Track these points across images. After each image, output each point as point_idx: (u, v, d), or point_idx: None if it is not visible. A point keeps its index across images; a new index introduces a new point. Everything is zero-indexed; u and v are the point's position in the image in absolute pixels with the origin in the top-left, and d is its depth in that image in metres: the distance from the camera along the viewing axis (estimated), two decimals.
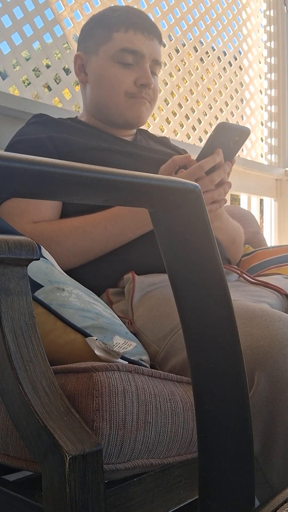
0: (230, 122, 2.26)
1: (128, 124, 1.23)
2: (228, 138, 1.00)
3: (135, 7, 1.84)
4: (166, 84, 2.00)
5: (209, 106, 2.19)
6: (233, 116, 2.30)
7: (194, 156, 1.04)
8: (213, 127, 2.19)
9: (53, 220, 1.06)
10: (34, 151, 1.08)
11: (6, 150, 1.18)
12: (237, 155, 1.08)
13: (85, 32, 1.24)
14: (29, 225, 1.02)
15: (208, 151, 1.00)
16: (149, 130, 1.84)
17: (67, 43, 1.65)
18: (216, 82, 2.24)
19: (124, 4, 1.83)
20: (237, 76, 2.32)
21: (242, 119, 2.36)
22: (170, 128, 2.04)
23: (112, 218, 1.03)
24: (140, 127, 1.33)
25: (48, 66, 1.58)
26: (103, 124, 1.24)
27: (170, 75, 2.03)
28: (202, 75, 2.16)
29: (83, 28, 1.25)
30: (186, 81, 2.10)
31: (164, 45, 2.00)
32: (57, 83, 1.61)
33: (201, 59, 2.17)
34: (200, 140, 2.16)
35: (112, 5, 1.76)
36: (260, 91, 2.46)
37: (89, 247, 1.02)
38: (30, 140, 1.12)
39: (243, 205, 2.36)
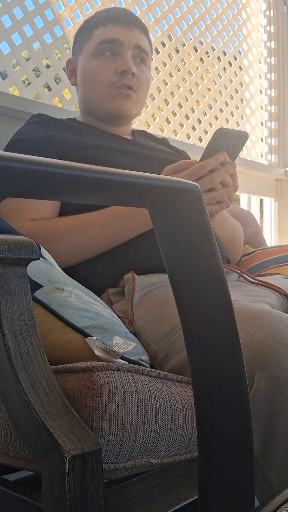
0: (230, 122, 2.26)
1: (111, 116, 1.21)
2: (227, 144, 0.99)
3: (135, 7, 1.85)
4: (166, 84, 2.00)
5: (209, 106, 2.19)
6: (233, 116, 2.30)
7: (196, 157, 1.04)
8: (213, 127, 2.20)
9: (52, 218, 1.06)
10: (33, 150, 1.08)
11: (4, 150, 1.18)
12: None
13: (74, 38, 1.28)
14: (27, 223, 1.02)
15: (208, 157, 0.99)
16: (149, 130, 1.84)
17: (67, 43, 1.65)
18: (216, 82, 2.23)
19: (124, 5, 1.83)
20: (237, 76, 2.32)
21: (242, 119, 2.36)
22: (170, 128, 2.03)
23: (111, 217, 1.03)
24: (140, 129, 1.33)
25: (48, 66, 1.58)
26: (97, 121, 1.24)
27: (170, 75, 2.02)
28: (202, 75, 2.16)
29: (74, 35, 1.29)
30: (186, 81, 2.10)
31: (164, 45, 2.00)
32: (57, 83, 1.61)
33: (201, 59, 2.16)
34: (200, 140, 2.16)
35: (112, 5, 1.76)
36: (260, 91, 2.46)
37: (86, 246, 1.02)
38: (28, 140, 1.12)
39: (243, 205, 2.36)
